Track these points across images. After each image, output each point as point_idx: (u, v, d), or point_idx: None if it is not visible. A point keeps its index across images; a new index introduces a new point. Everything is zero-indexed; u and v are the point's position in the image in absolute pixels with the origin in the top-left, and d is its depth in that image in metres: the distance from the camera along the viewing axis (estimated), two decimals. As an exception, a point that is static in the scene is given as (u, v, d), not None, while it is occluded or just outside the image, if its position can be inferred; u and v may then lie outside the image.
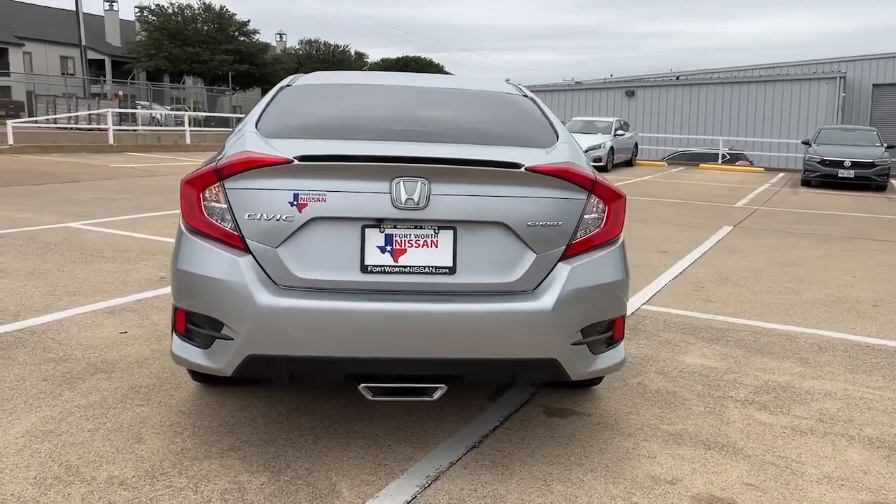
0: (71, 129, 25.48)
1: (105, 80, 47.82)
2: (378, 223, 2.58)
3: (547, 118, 3.38)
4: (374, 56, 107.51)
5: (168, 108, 39.45)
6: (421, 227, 2.60)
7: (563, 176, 2.67)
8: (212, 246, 2.60)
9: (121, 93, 37.96)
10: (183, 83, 54.27)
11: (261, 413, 3.16)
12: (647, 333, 4.61)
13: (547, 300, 2.60)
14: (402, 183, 2.55)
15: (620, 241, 2.89)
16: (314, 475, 2.64)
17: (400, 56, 73.11)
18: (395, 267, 2.58)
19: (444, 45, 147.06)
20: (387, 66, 71.08)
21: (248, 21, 54.04)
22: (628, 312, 5.08)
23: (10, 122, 18.64)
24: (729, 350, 4.34)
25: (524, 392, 3.50)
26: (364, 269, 2.57)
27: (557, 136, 3.14)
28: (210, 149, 22.68)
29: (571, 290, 2.64)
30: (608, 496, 2.59)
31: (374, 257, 2.58)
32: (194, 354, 2.64)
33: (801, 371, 4.01)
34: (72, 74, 50.23)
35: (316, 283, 2.56)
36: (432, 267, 2.59)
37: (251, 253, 2.57)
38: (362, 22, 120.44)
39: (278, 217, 2.55)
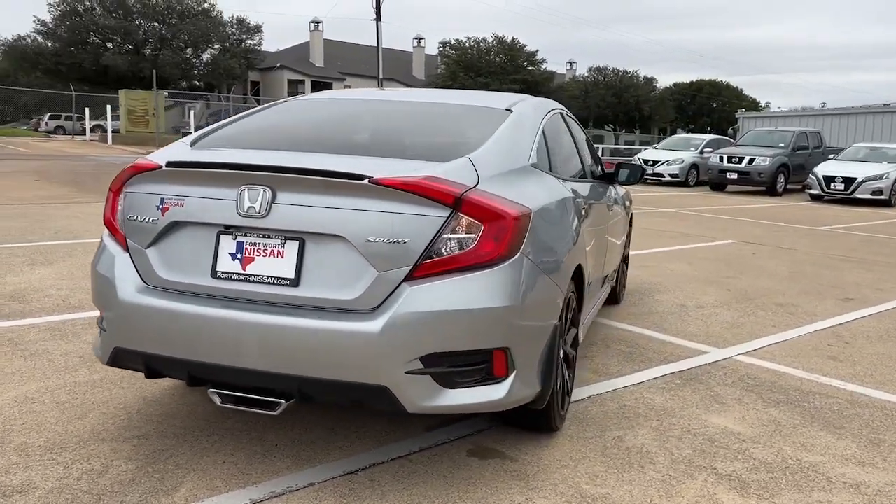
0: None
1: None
2: (229, 230, 2.60)
3: (501, 133, 3.10)
4: (665, 81, 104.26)
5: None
6: (269, 237, 2.56)
7: (414, 190, 2.45)
8: (109, 244, 2.83)
9: None
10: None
11: (190, 410, 3.31)
12: (701, 385, 3.95)
13: (378, 322, 2.41)
14: (246, 191, 2.55)
15: (507, 264, 2.55)
16: (176, 471, 2.72)
17: (693, 80, 70.12)
18: (242, 275, 2.58)
19: (747, 67, 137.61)
20: (679, 90, 68.63)
21: (537, 51, 55.94)
22: (717, 359, 4.39)
23: None
24: (783, 416, 3.55)
25: (473, 425, 3.22)
26: (214, 274, 2.61)
27: (477, 149, 2.86)
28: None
29: (408, 313, 2.41)
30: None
31: (225, 264, 2.60)
32: (95, 344, 2.89)
33: (854, 453, 3.15)
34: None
35: (173, 284, 2.65)
36: (275, 277, 2.54)
37: (129, 252, 2.74)
38: (651, 48, 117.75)
39: (147, 219, 2.70)
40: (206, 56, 57.62)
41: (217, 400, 2.62)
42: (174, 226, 2.67)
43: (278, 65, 57.74)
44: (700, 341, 4.85)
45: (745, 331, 5.20)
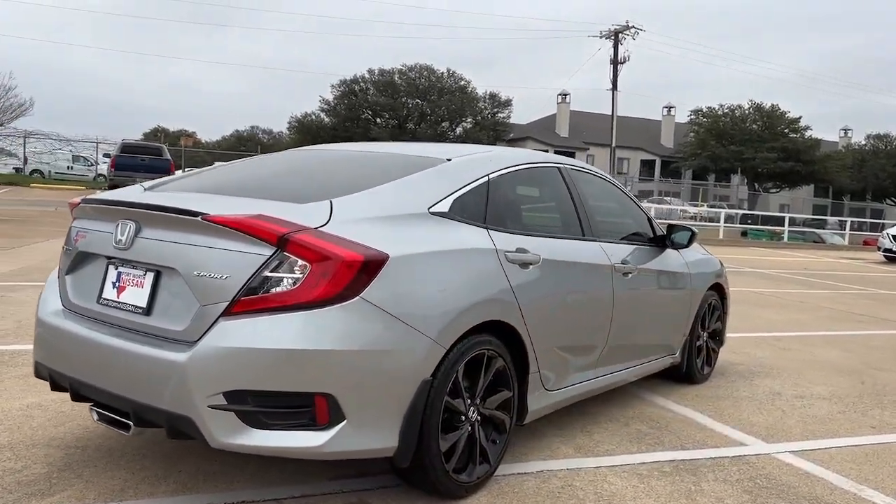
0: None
1: (653, 179, 51.58)
2: (111, 260, 2.87)
3: (403, 180, 3.06)
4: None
5: (688, 203, 40.36)
6: (136, 268, 2.78)
7: (238, 228, 2.53)
8: (55, 270, 3.25)
9: (629, 188, 40.42)
10: (728, 181, 54.92)
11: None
12: (690, 478, 3.41)
13: (187, 353, 2.49)
14: (119, 225, 2.80)
15: (337, 307, 2.50)
16: (70, 480, 2.98)
17: None
18: (115, 302, 2.81)
19: None
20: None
21: (800, 117, 51.89)
22: (750, 453, 3.78)
23: None
24: (751, 524, 2.95)
25: (377, 482, 3.11)
26: (99, 300, 2.87)
27: (353, 193, 2.85)
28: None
29: (215, 347, 2.46)
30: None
31: (108, 291, 2.86)
32: None
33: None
34: (623, 173, 55.59)
35: (75, 307, 2.97)
36: (133, 306, 2.74)
37: (62, 277, 3.12)
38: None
39: (68, 249, 3.07)
40: (459, 129, 61.49)
41: (95, 417, 2.85)
42: (82, 255, 3.01)
43: (524, 136, 59.81)
44: (750, 432, 4.17)
45: (826, 428, 4.37)
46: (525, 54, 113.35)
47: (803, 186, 53.83)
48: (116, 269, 2.85)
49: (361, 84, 59.12)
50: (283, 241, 2.50)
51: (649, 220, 4.67)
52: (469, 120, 60.71)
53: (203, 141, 79.68)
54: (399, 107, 58.49)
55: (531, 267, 3.33)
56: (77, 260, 3.04)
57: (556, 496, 3.12)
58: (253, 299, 2.50)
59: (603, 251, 3.93)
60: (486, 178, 3.35)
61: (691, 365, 5.03)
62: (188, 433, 2.53)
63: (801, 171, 50.13)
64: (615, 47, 40.03)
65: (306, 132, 58.26)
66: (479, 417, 3.08)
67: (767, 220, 35.45)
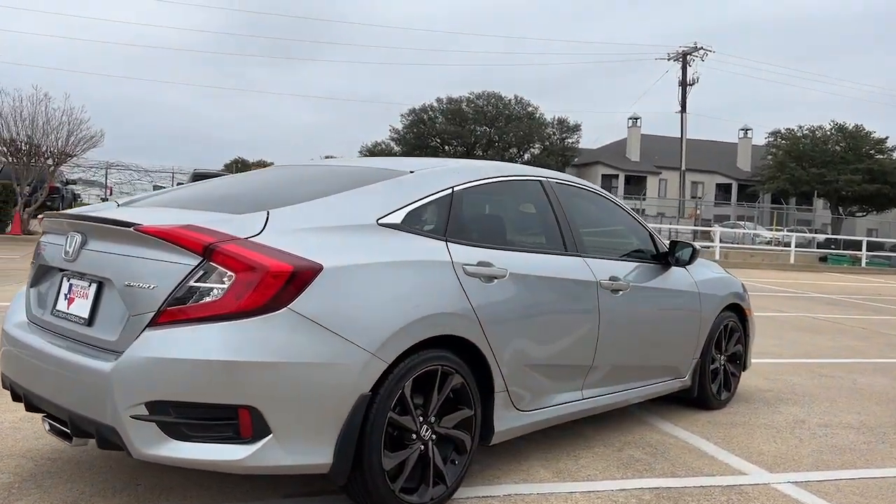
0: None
1: (730, 203, 50.10)
2: (63, 272, 2.92)
3: (354, 190, 3.02)
4: None
5: (764, 227, 38.98)
6: (82, 279, 2.82)
7: (166, 238, 2.53)
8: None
9: (698, 212, 39.31)
10: (809, 205, 52.89)
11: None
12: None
13: (111, 363, 2.49)
14: (68, 237, 2.85)
15: (262, 318, 2.46)
16: (27, 491, 3.02)
17: None
18: (65, 313, 2.85)
19: None
20: None
21: (886, 138, 49.53)
22: (745, 482, 3.54)
23: None
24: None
25: (335, 501, 3.04)
26: (53, 311, 2.92)
27: (294, 204, 2.83)
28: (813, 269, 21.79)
29: (138, 357, 2.45)
30: None
31: (60, 303, 2.91)
32: None
33: None
34: (697, 197, 54.23)
35: (35, 318, 3.03)
36: (78, 317, 2.78)
37: (28, 290, 3.20)
38: None
39: (33, 262, 3.15)
40: (527, 155, 61.41)
41: (46, 427, 2.88)
42: (43, 268, 3.08)
43: (594, 161, 59.18)
44: (756, 461, 3.90)
45: (842, 459, 4.05)
46: (593, 79, 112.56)
47: (893, 210, 51.17)
48: (68, 280, 2.90)
49: (430, 112, 59.85)
50: (209, 252, 2.49)
51: (652, 236, 4.48)
52: (537, 146, 60.58)
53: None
54: (467, 134, 58.87)
55: (496, 281, 3.21)
56: (39, 273, 3.11)
57: (515, 521, 2.98)
58: (178, 309, 2.48)
59: (587, 267, 3.77)
60: (449, 191, 3.27)
61: (704, 389, 4.77)
62: (115, 443, 2.52)
63: (889, 193, 47.71)
64: (683, 69, 39.32)
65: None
66: (434, 436, 2.97)
67: (849, 245, 33.83)
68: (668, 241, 4.51)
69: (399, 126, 59.43)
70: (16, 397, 3.03)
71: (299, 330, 2.52)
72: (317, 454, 2.57)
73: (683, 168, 36.87)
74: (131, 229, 2.60)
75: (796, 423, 4.70)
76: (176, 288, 2.49)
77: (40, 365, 2.77)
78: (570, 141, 60.80)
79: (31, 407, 2.92)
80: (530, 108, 61.06)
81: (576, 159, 59.56)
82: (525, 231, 3.78)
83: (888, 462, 4.04)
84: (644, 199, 52.86)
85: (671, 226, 28.71)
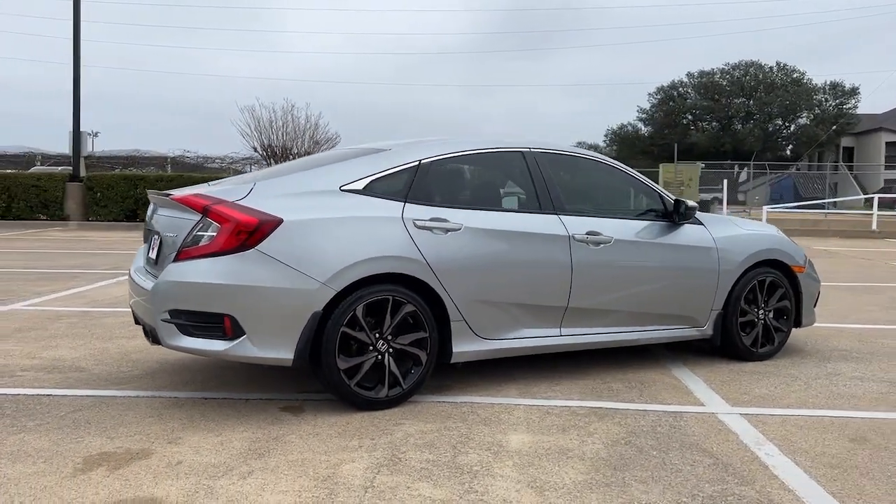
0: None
1: None
2: (152, 232, 4.30)
3: (323, 167, 4.07)
4: None
5: None
6: (155, 234, 4.17)
7: (181, 202, 3.78)
8: None
9: None
10: None
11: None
12: (580, 422, 3.81)
13: (152, 284, 3.79)
14: (150, 206, 4.23)
15: (237, 255, 3.59)
16: (131, 379, 4.50)
17: None
18: (151, 258, 4.23)
19: None
20: None
21: None
22: (690, 410, 3.96)
23: (765, 207, 20.40)
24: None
25: (320, 397, 4.12)
26: (146, 259, 4.33)
27: (278, 177, 3.94)
28: None
29: (163, 280, 3.72)
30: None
31: (152, 252, 4.30)
32: None
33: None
34: None
35: (141, 266, 4.47)
36: (152, 259, 4.14)
37: (142, 247, 4.67)
38: None
39: (146, 228, 4.60)
40: (793, 126, 56.62)
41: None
42: (147, 231, 4.52)
43: (876, 127, 52.85)
44: (728, 398, 4.23)
45: (826, 402, 4.20)
46: (873, 36, 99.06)
47: None
48: (151, 236, 4.30)
49: (680, 89, 57.71)
50: (206, 210, 3.69)
51: (662, 198, 4.89)
52: (805, 115, 55.61)
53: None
54: (721, 108, 55.88)
55: (450, 233, 4.05)
56: (145, 234, 4.57)
57: (448, 415, 3.82)
58: (189, 250, 3.72)
59: (561, 223, 4.40)
60: (416, 163, 4.16)
61: (732, 340, 5.04)
62: (157, 339, 3.83)
63: None
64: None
65: (622, 143, 58.60)
66: (391, 350, 3.90)
67: None
68: (674, 200, 4.89)
69: (646, 105, 58.13)
70: (136, 321, 4.51)
71: (265, 264, 3.62)
72: (280, 352, 3.66)
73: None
74: (168, 198, 3.90)
75: (827, 375, 4.80)
76: (187, 235, 3.73)
77: (137, 296, 4.17)
78: (847, 107, 54.95)
79: (139, 324, 4.36)
80: (796, 75, 56.22)
81: (852, 127, 53.73)
82: (493, 194, 4.49)
83: (878, 407, 4.12)
84: None
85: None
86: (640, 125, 58.55)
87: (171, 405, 3.96)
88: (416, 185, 4.11)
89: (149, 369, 4.70)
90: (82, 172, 19.20)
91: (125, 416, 3.77)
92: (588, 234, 4.46)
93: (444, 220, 4.06)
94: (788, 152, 57.44)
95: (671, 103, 56.63)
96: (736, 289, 5.01)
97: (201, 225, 3.71)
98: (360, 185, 3.99)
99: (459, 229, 4.08)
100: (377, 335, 3.87)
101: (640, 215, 4.84)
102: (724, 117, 55.59)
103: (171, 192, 4.03)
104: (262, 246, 3.64)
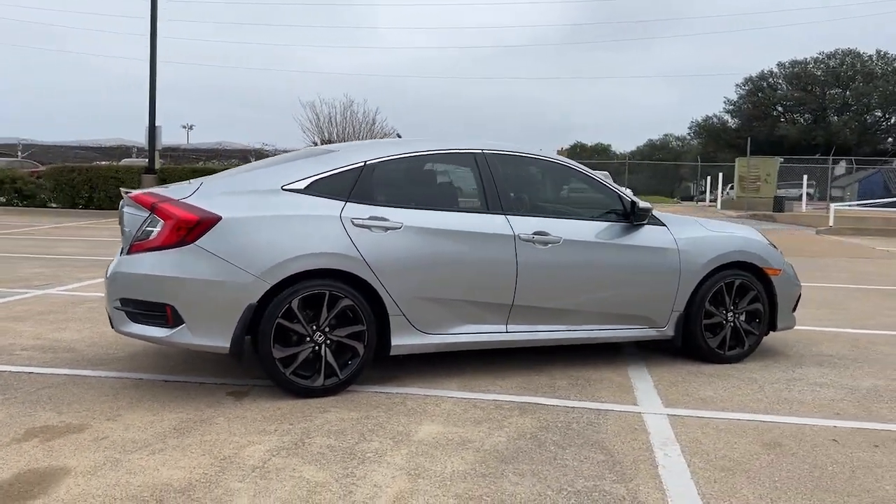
0: None
1: None
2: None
3: (268, 166, 4.34)
4: None
5: None
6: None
7: (135, 200, 4.12)
8: None
9: None
10: None
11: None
12: (505, 420, 3.93)
13: (107, 274, 4.15)
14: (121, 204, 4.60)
15: (177, 249, 3.89)
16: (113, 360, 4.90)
17: None
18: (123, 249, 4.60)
19: None
20: None
21: None
22: (616, 409, 4.03)
23: (832, 205, 19.42)
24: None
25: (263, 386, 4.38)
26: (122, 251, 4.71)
27: (225, 178, 4.21)
28: None
29: (116, 271, 4.08)
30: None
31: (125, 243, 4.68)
32: None
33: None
34: None
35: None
36: (123, 250, 4.51)
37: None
38: None
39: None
40: (894, 118, 53.63)
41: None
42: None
43: None
44: (668, 400, 4.25)
45: (767, 406, 4.17)
46: None
47: None
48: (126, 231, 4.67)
49: (770, 79, 55.49)
50: (153, 207, 4.01)
51: (621, 199, 4.91)
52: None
53: (618, 152, 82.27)
54: (813, 99, 53.44)
55: (389, 231, 4.23)
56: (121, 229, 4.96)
57: (377, 405, 4.01)
58: (137, 244, 4.06)
59: (507, 223, 4.51)
60: (361, 164, 4.36)
61: (696, 341, 5.01)
62: (111, 324, 4.18)
63: None
64: None
65: (708, 135, 56.86)
66: (328, 341, 4.13)
67: None
68: (630, 201, 4.90)
69: (734, 97, 56.15)
70: None
71: (203, 258, 3.91)
72: (216, 340, 3.94)
73: None
74: (128, 196, 4.24)
75: (788, 380, 4.73)
76: (138, 230, 4.07)
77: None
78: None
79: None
80: (899, 62, 53.09)
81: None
82: (439, 194, 4.62)
83: (816, 413, 4.06)
84: None
85: None
86: (727, 117, 56.62)
87: (130, 386, 4.32)
88: (360, 185, 4.32)
89: (132, 353, 5.09)
90: (157, 165, 20.28)
91: (86, 394, 4.15)
92: (535, 234, 4.55)
93: (384, 219, 4.25)
94: (889, 146, 54.39)
95: (759, 94, 54.51)
96: (700, 290, 4.98)
97: (149, 221, 4.04)
98: (301, 185, 4.23)
99: (399, 228, 4.26)
100: (314, 327, 4.10)
101: (600, 216, 4.88)
102: (818, 109, 53.12)
103: (131, 190, 4.38)
104: (202, 241, 3.93)
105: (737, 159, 30.11)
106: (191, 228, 3.93)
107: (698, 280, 4.97)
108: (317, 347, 4.11)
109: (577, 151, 77.05)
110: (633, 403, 4.18)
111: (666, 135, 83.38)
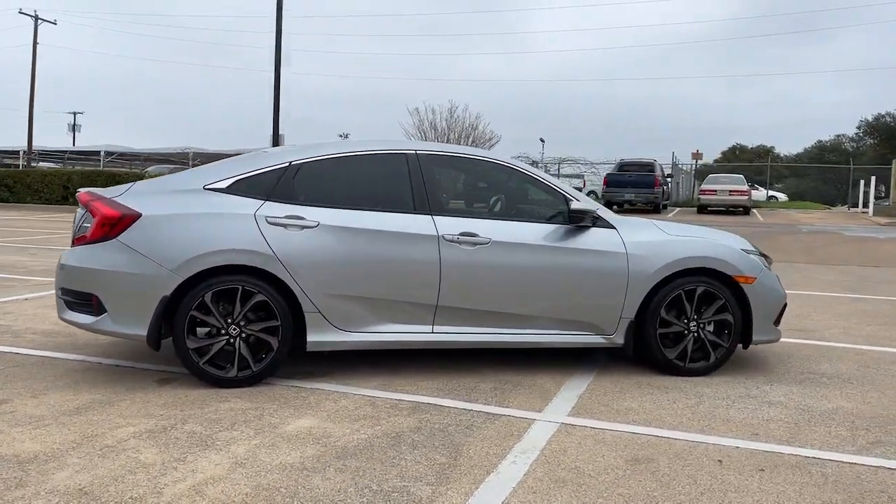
0: None
1: None
2: (99, 223, 5.11)
3: (200, 168, 4.56)
4: None
5: None
6: (94, 226, 4.96)
7: (79, 199, 4.50)
8: None
9: None
10: None
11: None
12: (358, 423, 3.91)
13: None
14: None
15: (101, 244, 4.20)
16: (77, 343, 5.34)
17: None
18: (94, 245, 5.04)
19: None
20: None
21: None
22: (529, 417, 3.91)
23: None
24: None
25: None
26: (97, 245, 5.15)
27: (157, 177, 4.49)
28: None
29: (59, 263, 4.47)
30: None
31: (98, 240, 5.11)
32: None
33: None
34: None
35: None
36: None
37: None
38: None
39: None
40: None
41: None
42: None
43: None
44: (579, 409, 4.05)
45: (684, 422, 3.86)
46: None
47: None
48: (92, 225, 5.09)
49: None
50: (87, 206, 4.37)
51: (567, 201, 4.70)
52: None
53: (782, 154, 76.98)
54: None
55: (305, 230, 4.34)
56: None
57: (277, 398, 4.12)
58: (77, 238, 4.43)
59: (432, 223, 4.47)
60: (286, 164, 4.50)
61: (650, 352, 4.70)
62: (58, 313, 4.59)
63: None
64: None
65: (880, 135, 51.94)
66: (243, 334, 4.30)
67: None
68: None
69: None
70: None
71: (124, 252, 4.21)
72: (135, 329, 4.22)
73: None
74: (76, 195, 4.65)
75: (737, 397, 4.32)
76: (77, 226, 4.45)
77: None
78: None
79: None
80: None
81: None
82: (364, 194, 4.62)
83: (728, 434, 3.71)
84: None
85: None
86: (910, 114, 51.43)
87: (81, 369, 4.71)
88: (282, 184, 4.46)
89: (113, 339, 5.52)
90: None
91: (37, 374, 4.57)
92: (462, 234, 4.48)
93: (301, 218, 4.36)
94: None
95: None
96: (655, 297, 4.68)
97: (85, 217, 4.40)
98: (223, 185, 4.43)
99: (315, 226, 4.35)
100: (229, 321, 4.29)
101: (544, 218, 4.71)
102: None
103: (80, 190, 4.78)
104: (123, 236, 4.23)
105: (894, 161, 27.17)
106: (113, 224, 4.24)
107: (650, 286, 4.66)
108: (231, 340, 4.29)
109: (735, 154, 72.92)
110: (538, 410, 4.01)
111: (838, 135, 77.07)
